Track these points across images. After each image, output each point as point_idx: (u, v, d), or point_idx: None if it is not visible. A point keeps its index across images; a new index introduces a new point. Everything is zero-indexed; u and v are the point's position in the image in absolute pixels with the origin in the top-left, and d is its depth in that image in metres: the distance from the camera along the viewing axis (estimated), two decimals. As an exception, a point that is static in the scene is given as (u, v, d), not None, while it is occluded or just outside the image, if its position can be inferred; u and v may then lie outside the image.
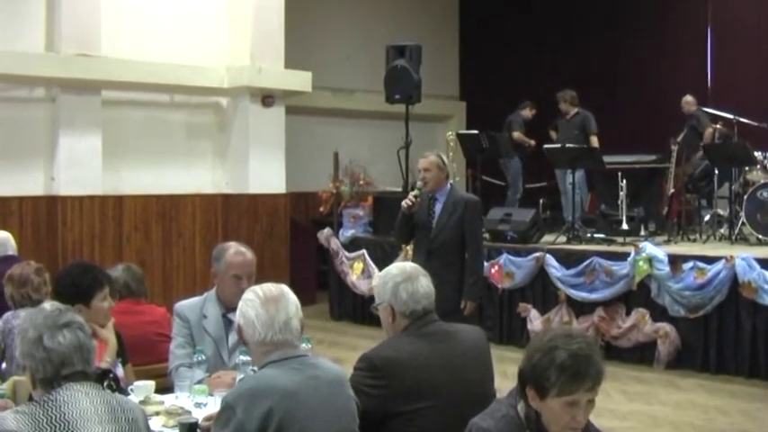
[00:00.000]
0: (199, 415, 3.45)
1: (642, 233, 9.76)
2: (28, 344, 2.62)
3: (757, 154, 9.67)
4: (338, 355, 8.10)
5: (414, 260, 6.37)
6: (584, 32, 13.85)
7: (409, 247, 7.24)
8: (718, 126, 10.68)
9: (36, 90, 9.70)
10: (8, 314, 4.65)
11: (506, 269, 9.12)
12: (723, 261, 7.81)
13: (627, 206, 9.68)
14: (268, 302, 2.99)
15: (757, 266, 7.61)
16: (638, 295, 8.30)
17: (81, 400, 2.57)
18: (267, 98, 11.01)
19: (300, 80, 11.22)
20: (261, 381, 2.85)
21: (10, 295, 4.78)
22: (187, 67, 10.44)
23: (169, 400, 3.72)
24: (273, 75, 10.96)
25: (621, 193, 9.69)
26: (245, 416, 2.75)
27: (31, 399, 2.81)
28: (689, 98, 11.36)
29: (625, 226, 9.56)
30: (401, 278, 3.45)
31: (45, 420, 2.50)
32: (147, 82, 10.07)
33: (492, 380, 3.57)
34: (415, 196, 6.34)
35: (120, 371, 4.07)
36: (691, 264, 8.01)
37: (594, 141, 10.72)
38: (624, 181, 9.76)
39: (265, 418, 2.75)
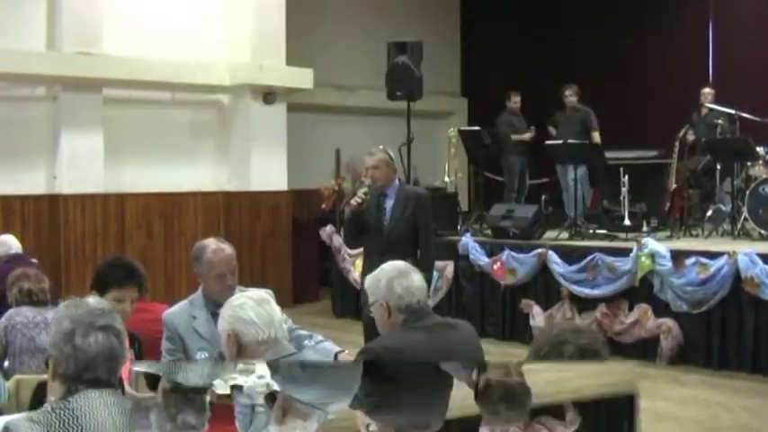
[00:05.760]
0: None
1: (644, 229, 9.73)
2: (59, 334, 2.49)
3: (759, 149, 9.65)
4: (341, 353, 8.07)
5: (365, 260, 6.32)
6: (586, 28, 13.81)
7: None
8: (720, 121, 10.65)
9: (37, 89, 9.71)
10: (11, 311, 4.66)
11: (509, 265, 9.11)
12: (726, 257, 7.79)
13: (629, 202, 9.66)
14: (262, 303, 3.04)
15: (760, 262, 7.59)
16: (641, 291, 8.28)
17: (99, 410, 2.43)
18: (269, 95, 11.02)
19: (302, 77, 11.23)
20: None
21: (14, 297, 4.79)
22: (188, 65, 10.44)
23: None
24: (275, 72, 10.96)
25: (623, 189, 9.68)
26: None
27: (35, 396, 2.79)
28: (709, 90, 11.20)
29: (627, 222, 9.54)
30: (394, 273, 3.50)
31: (60, 431, 2.37)
32: (149, 80, 10.07)
33: None
34: (365, 194, 6.15)
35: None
36: (693, 259, 7.99)
37: (596, 137, 10.69)
38: (626, 177, 9.74)
39: None
